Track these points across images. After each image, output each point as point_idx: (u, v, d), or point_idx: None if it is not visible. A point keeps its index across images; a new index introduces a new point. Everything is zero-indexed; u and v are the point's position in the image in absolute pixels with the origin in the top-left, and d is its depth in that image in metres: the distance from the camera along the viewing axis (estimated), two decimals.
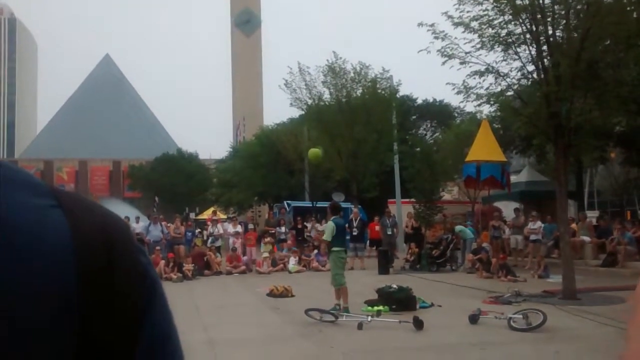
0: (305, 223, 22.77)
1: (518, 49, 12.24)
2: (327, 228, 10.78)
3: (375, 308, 10.06)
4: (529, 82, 12.82)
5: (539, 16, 11.72)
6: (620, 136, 20.81)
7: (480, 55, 12.37)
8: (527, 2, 11.67)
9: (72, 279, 0.61)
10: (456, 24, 12.34)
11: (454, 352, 7.57)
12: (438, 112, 41.34)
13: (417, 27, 13.07)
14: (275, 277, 16.29)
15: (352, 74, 25.64)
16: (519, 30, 12.05)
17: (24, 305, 0.57)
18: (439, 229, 23.00)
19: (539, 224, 18.36)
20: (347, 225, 15.04)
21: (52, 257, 0.60)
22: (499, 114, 17.78)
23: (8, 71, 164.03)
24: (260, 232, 24.85)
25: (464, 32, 12.29)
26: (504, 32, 12.11)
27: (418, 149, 27.47)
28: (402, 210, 24.70)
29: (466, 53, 12.39)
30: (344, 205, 18.63)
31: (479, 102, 13.07)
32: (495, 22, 12.05)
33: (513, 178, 22.74)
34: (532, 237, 18.20)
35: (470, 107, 18.87)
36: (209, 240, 20.28)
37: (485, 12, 12.02)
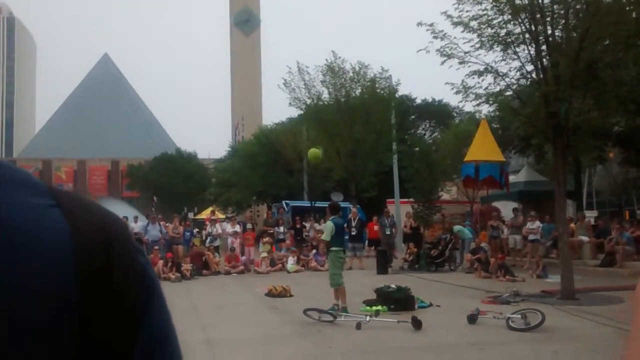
0: (303, 223, 22.77)
1: (517, 49, 12.26)
2: (326, 228, 10.78)
3: (374, 308, 10.06)
4: (528, 82, 12.83)
5: (538, 16, 11.73)
6: (619, 136, 20.81)
7: (479, 55, 12.39)
8: (526, 2, 11.68)
9: (71, 279, 0.61)
10: (455, 24, 12.34)
11: (452, 352, 7.57)
12: (437, 112, 41.35)
13: (417, 27, 13.07)
14: (273, 277, 16.29)
15: (351, 74, 25.67)
16: (518, 29, 12.07)
17: (23, 304, 0.57)
18: (437, 228, 23.00)
19: (537, 223, 18.37)
20: (345, 225, 15.04)
21: (51, 256, 0.60)
22: (497, 113, 17.81)
23: (6, 70, 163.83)
24: (258, 232, 24.83)
25: (463, 31, 12.31)
26: (503, 32, 12.12)
27: (417, 148, 27.45)
28: (400, 210, 24.71)
29: (465, 53, 12.40)
30: (342, 205, 18.62)
31: (477, 102, 13.09)
32: (495, 21, 12.06)
33: (512, 178, 22.76)
34: (531, 237, 18.21)
35: (469, 106, 18.97)
36: (208, 240, 20.26)
37: (485, 12, 12.04)
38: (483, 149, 19.27)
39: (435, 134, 40.59)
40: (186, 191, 50.58)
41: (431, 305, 10.84)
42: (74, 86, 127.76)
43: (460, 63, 12.50)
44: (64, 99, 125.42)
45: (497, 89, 12.73)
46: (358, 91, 25.82)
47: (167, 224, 20.62)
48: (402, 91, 33.81)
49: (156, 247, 18.14)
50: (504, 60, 12.46)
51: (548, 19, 11.79)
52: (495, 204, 22.78)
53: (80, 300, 0.61)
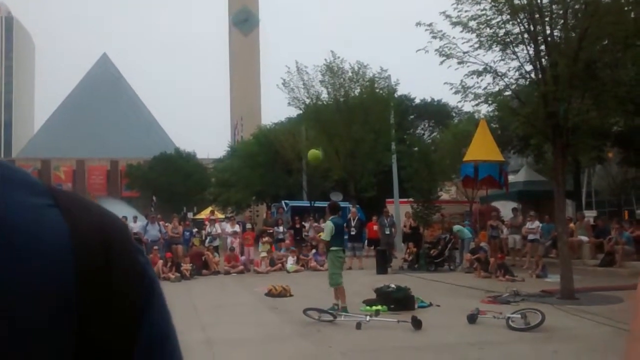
0: (303, 223, 22.78)
1: (516, 49, 12.26)
2: (326, 228, 10.79)
3: (374, 308, 10.06)
4: (527, 82, 12.83)
5: (537, 16, 11.73)
6: (618, 136, 20.82)
7: (478, 54, 12.39)
8: (525, 2, 11.68)
9: (70, 279, 0.60)
10: (454, 24, 12.35)
11: (452, 352, 7.57)
12: (436, 112, 41.37)
13: (416, 27, 13.08)
14: (273, 277, 16.29)
15: (350, 74, 25.66)
16: (516, 30, 12.07)
17: (23, 305, 0.57)
18: (437, 228, 23.01)
19: (537, 223, 18.38)
20: (345, 225, 15.04)
21: (50, 256, 0.60)
22: (496, 113, 17.82)
23: (5, 70, 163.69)
24: (258, 231, 24.85)
25: (462, 31, 12.31)
26: (502, 32, 12.13)
27: (416, 148, 27.49)
28: (400, 209, 24.72)
29: (464, 53, 12.40)
30: (342, 204, 18.62)
31: (476, 102, 13.11)
32: (493, 21, 12.06)
33: (511, 178, 22.77)
34: (530, 236, 18.22)
35: (468, 106, 18.86)
36: (207, 240, 20.27)
37: (483, 12, 12.04)
38: (482, 148, 19.27)
39: (435, 133, 40.61)
40: (185, 191, 50.58)
41: (431, 305, 10.84)
42: (72, 86, 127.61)
43: (459, 63, 12.51)
44: (63, 99, 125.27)
45: (496, 88, 12.75)
46: (357, 91, 25.83)
47: (166, 224, 20.63)
48: (401, 91, 33.86)
49: (155, 247, 18.16)
50: (503, 60, 12.48)
51: (547, 19, 11.80)
52: (495, 203, 22.80)
53: (79, 300, 0.60)
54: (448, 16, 12.41)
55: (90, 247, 0.63)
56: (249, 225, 23.80)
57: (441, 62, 12.64)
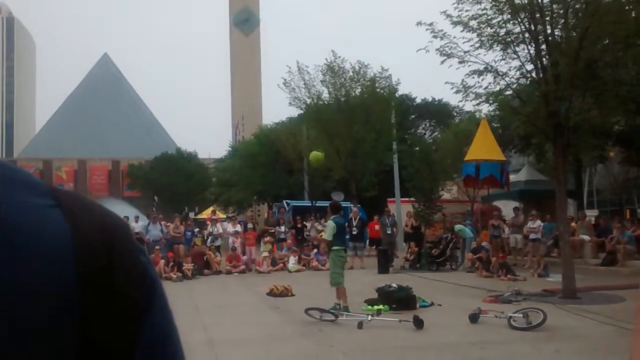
0: (304, 222, 22.78)
1: (517, 48, 12.25)
2: (328, 227, 10.78)
3: (375, 307, 10.07)
4: (528, 81, 12.82)
5: (537, 15, 11.72)
6: (619, 135, 20.80)
7: (479, 54, 12.38)
8: (526, 1, 11.66)
9: (71, 279, 0.60)
10: (455, 23, 12.34)
11: (454, 351, 7.57)
12: (437, 111, 41.33)
13: (416, 27, 13.06)
14: (275, 277, 16.29)
15: (351, 73, 25.63)
16: (517, 29, 12.06)
17: (23, 305, 0.57)
18: (438, 228, 23.01)
19: (538, 223, 18.37)
20: (346, 224, 15.03)
21: (51, 256, 0.60)
22: (497, 113, 17.79)
23: (6, 70, 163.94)
24: (259, 231, 24.84)
25: (462, 31, 12.30)
26: (502, 31, 12.11)
27: (417, 148, 27.42)
28: (401, 209, 24.69)
29: (465, 52, 12.39)
30: (343, 204, 18.62)
31: (477, 102, 13.08)
32: (494, 21, 12.05)
33: (512, 177, 22.76)
34: (532, 236, 18.21)
35: (469, 106, 18.98)
36: (209, 240, 20.28)
37: (484, 11, 12.03)
38: (483, 148, 19.27)
39: (436, 133, 40.57)
40: (187, 191, 50.62)
41: (433, 305, 10.84)
42: (73, 86, 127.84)
43: (460, 62, 12.50)
44: (64, 99, 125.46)
45: (497, 88, 12.74)
46: (358, 91, 25.79)
47: (168, 224, 20.65)
48: (402, 90, 33.80)
49: (157, 247, 18.16)
50: (504, 59, 12.47)
51: (547, 18, 11.79)
52: (496, 203, 22.77)
53: (81, 300, 0.60)
54: (449, 16, 12.40)
55: (92, 247, 0.63)
56: (250, 225, 23.76)
57: (442, 62, 12.64)
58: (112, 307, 0.63)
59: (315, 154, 16.22)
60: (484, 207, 22.36)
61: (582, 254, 17.70)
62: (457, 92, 12.87)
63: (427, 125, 42.77)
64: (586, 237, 18.06)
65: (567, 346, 7.60)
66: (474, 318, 9.01)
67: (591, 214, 23.72)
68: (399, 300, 10.47)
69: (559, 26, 11.88)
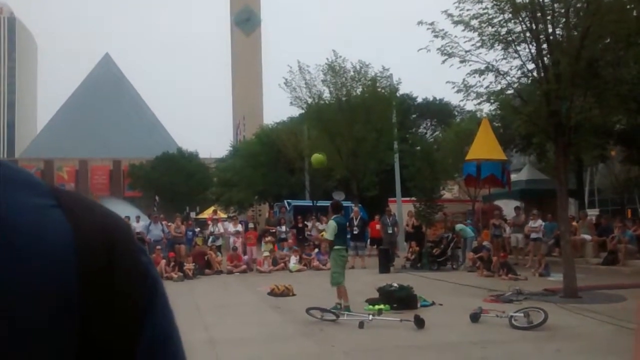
0: (305, 222, 22.77)
1: (518, 47, 12.24)
2: (329, 227, 10.78)
3: (377, 307, 10.06)
4: (529, 81, 12.80)
5: (538, 14, 11.70)
6: (621, 134, 20.80)
7: (480, 53, 12.36)
8: (527, 1, 11.65)
9: (72, 279, 0.60)
10: (456, 23, 12.32)
11: (455, 351, 7.57)
12: (438, 111, 41.34)
13: (417, 26, 13.05)
14: (276, 276, 16.29)
15: (352, 73, 25.61)
16: (518, 28, 12.04)
17: (23, 305, 0.57)
18: (439, 227, 23.00)
19: (539, 222, 18.36)
20: (348, 224, 15.03)
21: (52, 256, 0.60)
22: (499, 112, 17.82)
23: (8, 71, 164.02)
24: (260, 231, 24.83)
25: (463, 30, 12.28)
26: (503, 31, 12.10)
27: (418, 147, 27.47)
28: (402, 208, 24.68)
29: (466, 51, 12.37)
30: (344, 204, 18.61)
31: (479, 101, 13.07)
32: (495, 20, 12.03)
33: (513, 176, 22.76)
34: (533, 235, 18.19)
35: (470, 105, 19.03)
36: (210, 240, 20.28)
37: (485, 11, 12.01)
38: (484, 147, 19.26)
39: (437, 132, 40.58)
40: (188, 191, 50.67)
41: (434, 304, 10.83)
42: (75, 86, 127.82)
43: (461, 62, 12.48)
44: (66, 99, 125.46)
45: (498, 87, 12.72)
46: (359, 90, 25.76)
47: (169, 224, 20.65)
48: (403, 90, 33.75)
49: (158, 247, 18.17)
50: (505, 59, 12.45)
51: (549, 17, 11.77)
52: (497, 202, 22.77)
53: (81, 300, 0.60)
54: (450, 15, 12.39)
55: (93, 247, 0.63)
56: (251, 225, 23.77)
57: (443, 61, 12.62)
58: (113, 307, 0.63)
59: (317, 157, 16.15)
60: (485, 207, 22.36)
61: (583, 253, 17.70)
62: (458, 91, 12.87)
63: (428, 124, 42.78)
64: (587, 237, 18.06)
65: (568, 345, 7.60)
66: (475, 317, 9.01)
67: (592, 214, 23.75)
68: (400, 299, 10.47)
69: (560, 25, 11.87)
